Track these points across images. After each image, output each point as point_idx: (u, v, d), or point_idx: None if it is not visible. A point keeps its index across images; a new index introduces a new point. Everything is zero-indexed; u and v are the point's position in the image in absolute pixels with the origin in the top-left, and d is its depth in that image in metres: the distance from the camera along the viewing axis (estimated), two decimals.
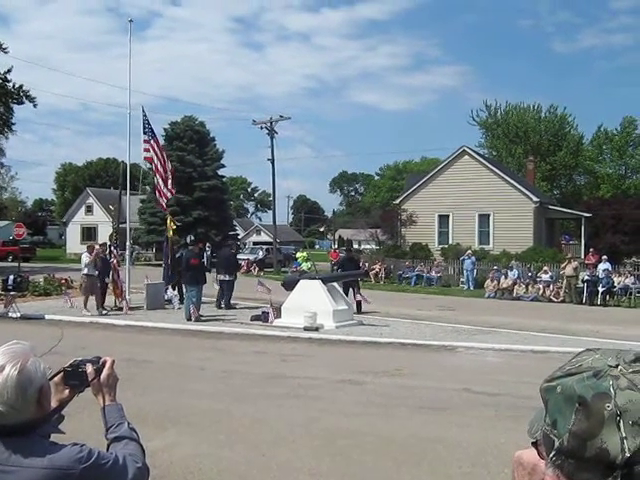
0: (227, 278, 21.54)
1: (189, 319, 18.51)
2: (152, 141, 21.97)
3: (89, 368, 2.47)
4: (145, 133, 21.75)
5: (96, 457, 2.20)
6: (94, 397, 2.52)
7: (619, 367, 0.97)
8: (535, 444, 1.06)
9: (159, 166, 22.14)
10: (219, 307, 21.37)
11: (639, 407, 0.92)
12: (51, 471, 2.09)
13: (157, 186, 22.94)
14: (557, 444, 0.98)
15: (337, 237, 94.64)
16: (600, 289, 27.34)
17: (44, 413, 2.23)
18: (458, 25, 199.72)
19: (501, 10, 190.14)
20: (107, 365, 2.52)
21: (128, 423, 2.49)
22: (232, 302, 21.73)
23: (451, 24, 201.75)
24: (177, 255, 22.36)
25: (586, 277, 27.84)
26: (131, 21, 22.89)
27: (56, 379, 2.40)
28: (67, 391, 2.44)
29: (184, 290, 20.42)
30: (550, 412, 1.02)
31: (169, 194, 22.80)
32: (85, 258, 20.32)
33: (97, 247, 21.35)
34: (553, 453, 0.99)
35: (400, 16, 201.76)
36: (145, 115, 22.00)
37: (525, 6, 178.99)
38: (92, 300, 19.87)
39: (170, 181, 22.49)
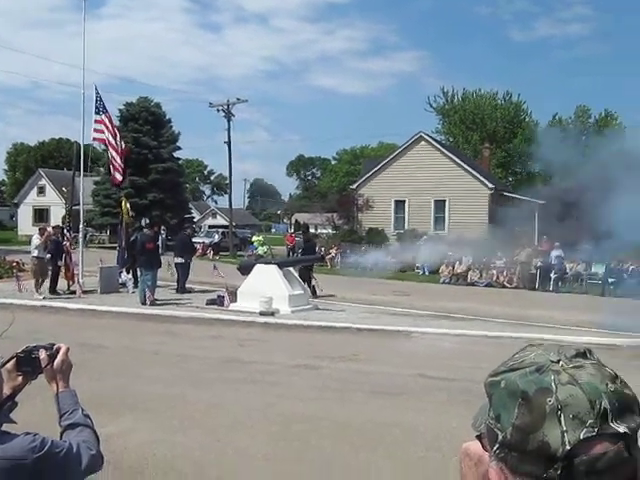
0: (182, 261, 21.39)
1: (144, 303, 18.33)
2: (104, 116, 21.61)
3: (42, 354, 2.41)
4: (97, 113, 21.37)
5: (49, 446, 2.15)
6: (47, 384, 2.46)
7: (560, 362, 1.00)
8: (479, 437, 1.08)
9: (112, 140, 21.79)
10: (178, 291, 21.20)
11: (579, 402, 0.94)
12: (3, 461, 2.04)
13: (111, 160, 22.56)
14: (500, 437, 1.00)
15: (293, 221, 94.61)
16: (552, 275, 27.79)
17: None
18: (416, 11, 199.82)
19: None
20: (61, 351, 2.46)
21: (82, 410, 2.44)
22: (188, 286, 21.56)
23: (409, 9, 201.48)
24: (132, 238, 22.10)
25: (539, 263, 28.26)
26: None
27: (8, 366, 2.34)
28: (20, 378, 2.38)
29: (139, 274, 20.22)
30: (494, 406, 1.04)
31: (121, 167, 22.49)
32: (35, 240, 20.11)
33: (49, 229, 21.05)
34: (497, 446, 1.00)
35: (358, 0, 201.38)
36: (98, 93, 21.61)
37: None
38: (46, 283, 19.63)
39: (121, 156, 22.15)
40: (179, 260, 21.45)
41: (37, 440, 2.14)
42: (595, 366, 0.99)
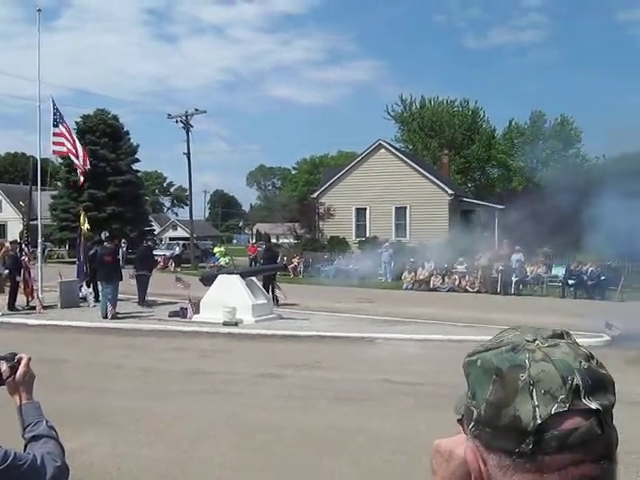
0: (142, 274, 21.21)
1: (105, 317, 18.13)
2: (62, 127, 21.39)
3: (3, 366, 2.37)
4: (55, 125, 21.10)
5: (12, 458, 2.11)
6: (9, 396, 2.42)
7: (536, 342, 1.01)
8: (460, 421, 1.09)
9: (70, 146, 21.57)
10: (139, 304, 21.01)
11: (551, 378, 0.95)
12: None
13: (75, 164, 22.43)
14: (475, 414, 1.02)
15: (255, 231, 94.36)
16: (513, 279, 28.11)
17: None
18: (373, 20, 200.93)
19: (416, 5, 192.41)
20: (23, 362, 2.42)
21: (46, 421, 2.40)
22: (150, 299, 21.37)
23: (366, 19, 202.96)
24: (91, 252, 21.87)
25: (500, 267, 28.55)
26: (39, 10, 22.12)
27: None
28: None
29: (99, 287, 20.01)
30: (470, 385, 1.05)
31: (85, 168, 22.33)
32: None
33: (7, 245, 20.78)
34: (472, 424, 1.02)
35: (315, 10, 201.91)
36: (55, 106, 21.35)
37: (438, 1, 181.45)
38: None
39: (82, 158, 21.94)
40: (139, 273, 21.28)
41: (0, 452, 2.10)
42: (570, 345, 1.01)
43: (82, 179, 22.89)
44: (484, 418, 1.00)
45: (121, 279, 19.52)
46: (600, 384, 0.97)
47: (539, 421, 0.93)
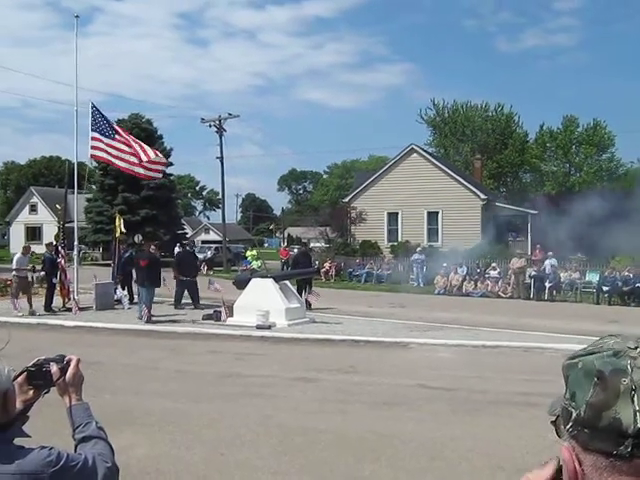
0: (188, 279, 21.21)
1: (141, 318, 18.29)
2: (116, 135, 21.38)
3: (54, 367, 2.40)
4: (94, 130, 21.22)
5: (65, 460, 2.14)
6: (59, 397, 2.45)
7: (638, 349, 1.02)
8: (554, 422, 1.11)
9: (118, 153, 21.43)
10: (177, 307, 21.06)
11: None
12: (20, 477, 2.03)
13: (130, 170, 22.21)
14: (574, 415, 1.04)
15: (286, 235, 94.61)
16: (547, 284, 27.83)
17: (9, 417, 2.17)
18: (404, 24, 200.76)
19: (446, 10, 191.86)
20: (72, 364, 2.46)
21: (96, 422, 2.44)
22: (183, 302, 21.45)
23: (397, 23, 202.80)
24: (126, 255, 22.10)
25: (533, 273, 28.30)
26: (77, 17, 22.45)
27: (20, 380, 2.33)
28: (31, 392, 2.37)
29: (137, 290, 20.09)
30: (570, 386, 1.08)
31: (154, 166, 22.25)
32: (17, 257, 20.60)
33: (49, 245, 21.27)
34: (570, 424, 1.05)
35: (347, 14, 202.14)
36: (96, 109, 21.42)
37: (469, 6, 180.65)
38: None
39: (144, 154, 21.64)
40: (184, 278, 21.27)
41: (53, 454, 2.13)
42: None
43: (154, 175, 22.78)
44: (583, 419, 1.02)
45: (159, 283, 19.59)
46: None
47: (639, 425, 0.95)
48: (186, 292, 21.43)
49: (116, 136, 21.23)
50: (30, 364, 2.40)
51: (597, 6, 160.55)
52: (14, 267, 20.43)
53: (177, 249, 50.23)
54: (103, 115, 21.46)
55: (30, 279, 20.87)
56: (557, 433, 1.10)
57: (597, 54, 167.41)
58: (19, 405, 2.29)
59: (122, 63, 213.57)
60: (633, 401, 0.97)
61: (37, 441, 2.23)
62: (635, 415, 0.96)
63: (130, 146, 21.28)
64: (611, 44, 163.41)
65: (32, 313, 19.43)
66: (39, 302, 20.39)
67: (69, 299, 20.44)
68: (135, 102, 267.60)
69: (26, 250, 21.31)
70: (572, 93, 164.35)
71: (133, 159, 21.27)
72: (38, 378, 2.38)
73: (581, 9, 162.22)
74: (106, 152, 21.31)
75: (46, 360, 2.44)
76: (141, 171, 21.90)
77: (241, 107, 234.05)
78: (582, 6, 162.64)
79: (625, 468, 0.96)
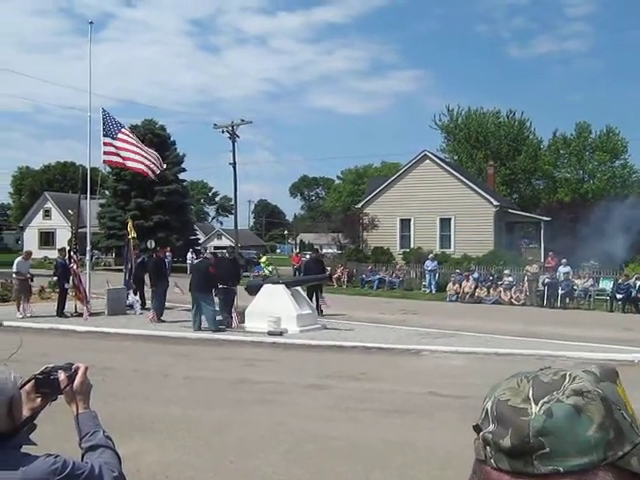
0: (230, 287, 20.51)
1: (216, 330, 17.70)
2: (121, 134, 21.55)
3: (61, 375, 2.38)
4: (106, 135, 21.34)
5: (71, 468, 2.12)
6: (67, 405, 2.43)
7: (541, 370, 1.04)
8: None
9: (129, 155, 21.62)
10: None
11: (489, 394, 1.01)
12: None
13: (137, 168, 22.42)
14: None
15: (298, 241, 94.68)
16: (560, 292, 27.68)
17: (15, 424, 2.15)
18: (415, 30, 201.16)
19: (458, 16, 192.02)
20: (80, 372, 2.43)
21: (103, 431, 2.41)
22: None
23: (408, 29, 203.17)
24: (139, 260, 22.15)
25: (546, 280, 28.16)
26: (91, 23, 22.60)
27: (27, 387, 2.31)
28: (39, 400, 2.35)
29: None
30: None
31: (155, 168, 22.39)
32: (17, 262, 21.02)
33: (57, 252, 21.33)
34: None
35: (357, 20, 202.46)
36: (108, 115, 21.54)
37: (481, 12, 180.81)
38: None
39: (150, 158, 21.90)
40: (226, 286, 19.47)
41: (58, 462, 2.11)
42: (526, 381, 0.99)
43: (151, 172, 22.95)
44: None
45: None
46: (502, 420, 0.95)
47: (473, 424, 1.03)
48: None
49: (119, 135, 21.41)
50: (38, 372, 2.38)
51: (610, 12, 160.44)
52: (14, 270, 20.86)
53: (190, 255, 50.60)
54: (113, 118, 21.59)
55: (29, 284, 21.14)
56: None
57: (610, 60, 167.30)
58: (26, 413, 2.27)
59: (135, 69, 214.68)
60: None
61: (48, 447, 2.21)
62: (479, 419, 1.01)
63: (133, 144, 21.60)
64: (624, 50, 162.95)
65: (30, 316, 19.73)
66: (52, 307, 20.51)
67: (85, 303, 20.41)
68: (147, 108, 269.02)
69: (27, 255, 21.78)
70: (585, 99, 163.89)
71: (145, 160, 21.49)
72: (46, 386, 2.37)
73: (594, 15, 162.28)
74: (118, 156, 21.45)
75: (54, 368, 2.42)
76: (150, 172, 22.13)
77: (253, 113, 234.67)
78: (595, 12, 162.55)
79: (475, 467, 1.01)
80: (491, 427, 0.96)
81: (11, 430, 2.13)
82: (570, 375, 0.98)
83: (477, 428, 1.00)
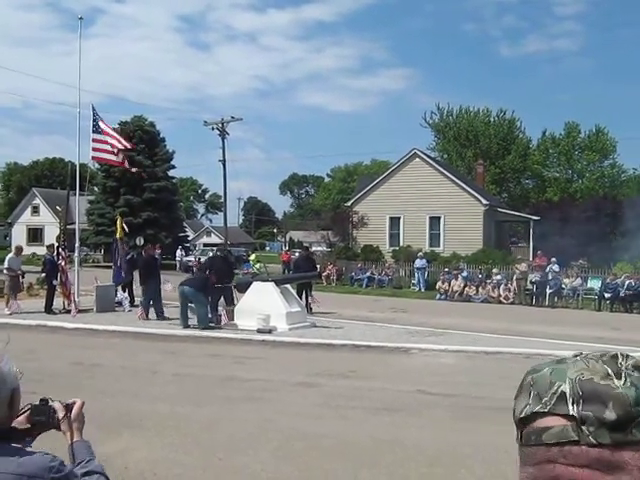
0: (225, 285, 20.36)
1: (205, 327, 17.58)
2: (103, 127, 21.56)
3: (57, 404, 2.37)
4: (95, 132, 21.25)
5: (68, 472, 2.12)
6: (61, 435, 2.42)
7: (577, 357, 1.07)
8: None
9: (110, 148, 21.69)
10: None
11: (544, 382, 1.03)
12: (19, 477, 1.99)
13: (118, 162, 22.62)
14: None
15: (288, 239, 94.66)
16: (548, 291, 27.78)
17: (12, 418, 2.16)
18: (405, 28, 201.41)
19: (447, 14, 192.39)
20: (77, 404, 2.43)
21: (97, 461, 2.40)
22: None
23: (398, 27, 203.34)
24: (128, 257, 22.08)
25: (535, 279, 28.26)
26: (81, 19, 22.40)
27: (21, 418, 2.29)
28: (32, 429, 2.33)
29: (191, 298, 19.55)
30: None
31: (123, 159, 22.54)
32: (8, 258, 21.03)
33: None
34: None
35: (347, 18, 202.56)
36: (96, 113, 21.51)
37: (471, 10, 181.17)
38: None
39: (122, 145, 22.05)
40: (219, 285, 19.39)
41: (56, 462, 2.10)
42: (593, 361, 1.03)
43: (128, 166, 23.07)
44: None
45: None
46: (595, 397, 0.98)
47: (522, 415, 1.03)
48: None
49: (102, 127, 21.48)
50: (34, 402, 2.38)
51: (600, 11, 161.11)
52: (5, 267, 20.82)
53: (179, 252, 50.49)
54: (98, 115, 21.61)
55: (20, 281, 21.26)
56: None
57: (600, 60, 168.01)
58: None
59: (124, 65, 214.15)
60: (529, 396, 1.04)
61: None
62: (525, 407, 1.03)
63: (110, 136, 21.69)
64: (614, 50, 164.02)
65: (15, 312, 19.65)
66: (40, 304, 20.43)
67: (70, 301, 20.40)
68: (137, 105, 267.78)
69: (18, 251, 21.63)
70: (574, 98, 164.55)
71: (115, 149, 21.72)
72: (41, 414, 2.34)
73: (584, 14, 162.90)
74: (106, 152, 21.41)
75: (50, 399, 2.41)
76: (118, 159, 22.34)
77: (243, 110, 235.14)
78: (585, 11, 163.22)
79: (523, 457, 1.03)
80: (581, 406, 0.97)
81: (9, 424, 2.13)
82: (620, 354, 1.04)
83: (549, 413, 1.00)
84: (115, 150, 21.82)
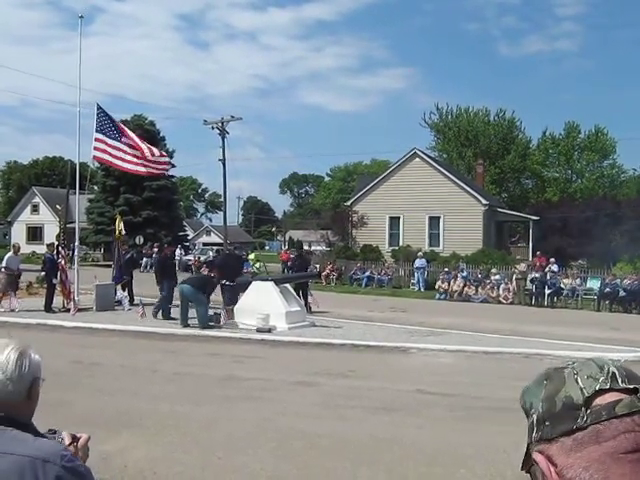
0: (229, 283, 20.11)
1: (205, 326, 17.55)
2: (122, 138, 21.27)
3: (63, 433, 2.39)
4: (98, 131, 21.10)
5: (78, 464, 2.14)
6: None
7: (575, 364, 1.17)
8: (528, 455, 1.18)
9: (119, 153, 21.32)
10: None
11: (591, 367, 1.12)
12: (33, 460, 2.02)
13: (134, 170, 22.22)
14: (535, 418, 1.14)
15: (287, 238, 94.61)
16: (547, 291, 27.80)
17: (30, 410, 2.21)
18: (405, 28, 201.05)
19: (448, 14, 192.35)
20: (84, 437, 2.45)
21: None
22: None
23: (398, 27, 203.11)
24: (128, 256, 22.08)
25: (534, 279, 28.27)
26: (82, 17, 22.36)
27: None
28: None
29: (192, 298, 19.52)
30: (526, 402, 1.19)
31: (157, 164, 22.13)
32: (7, 257, 21.21)
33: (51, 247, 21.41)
34: (535, 429, 1.13)
35: (347, 17, 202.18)
36: (102, 111, 21.29)
37: (471, 10, 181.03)
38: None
39: (149, 152, 21.50)
40: (226, 282, 19.83)
41: (68, 452, 2.15)
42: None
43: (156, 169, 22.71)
44: (542, 415, 1.12)
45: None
46: (635, 376, 1.11)
47: (587, 394, 1.07)
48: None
49: (122, 138, 21.12)
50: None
51: (600, 12, 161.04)
52: (3, 265, 20.92)
53: (178, 251, 50.45)
54: (109, 116, 21.35)
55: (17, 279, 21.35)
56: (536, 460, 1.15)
57: (600, 60, 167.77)
58: None
59: (123, 64, 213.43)
60: (578, 382, 1.10)
61: None
62: (582, 390, 1.08)
63: (136, 147, 21.18)
64: (614, 50, 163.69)
65: (12, 310, 19.73)
66: (40, 302, 20.43)
67: (69, 299, 20.39)
68: (136, 103, 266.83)
69: (16, 249, 21.68)
70: (574, 99, 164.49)
71: (136, 160, 21.20)
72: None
73: (584, 15, 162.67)
74: (109, 154, 21.19)
75: (58, 430, 2.44)
76: (143, 169, 21.83)
77: (243, 109, 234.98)
78: (585, 12, 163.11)
79: (587, 439, 1.05)
80: (628, 383, 1.08)
81: (28, 415, 2.19)
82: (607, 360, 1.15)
83: (610, 390, 1.07)
84: (141, 161, 21.33)
